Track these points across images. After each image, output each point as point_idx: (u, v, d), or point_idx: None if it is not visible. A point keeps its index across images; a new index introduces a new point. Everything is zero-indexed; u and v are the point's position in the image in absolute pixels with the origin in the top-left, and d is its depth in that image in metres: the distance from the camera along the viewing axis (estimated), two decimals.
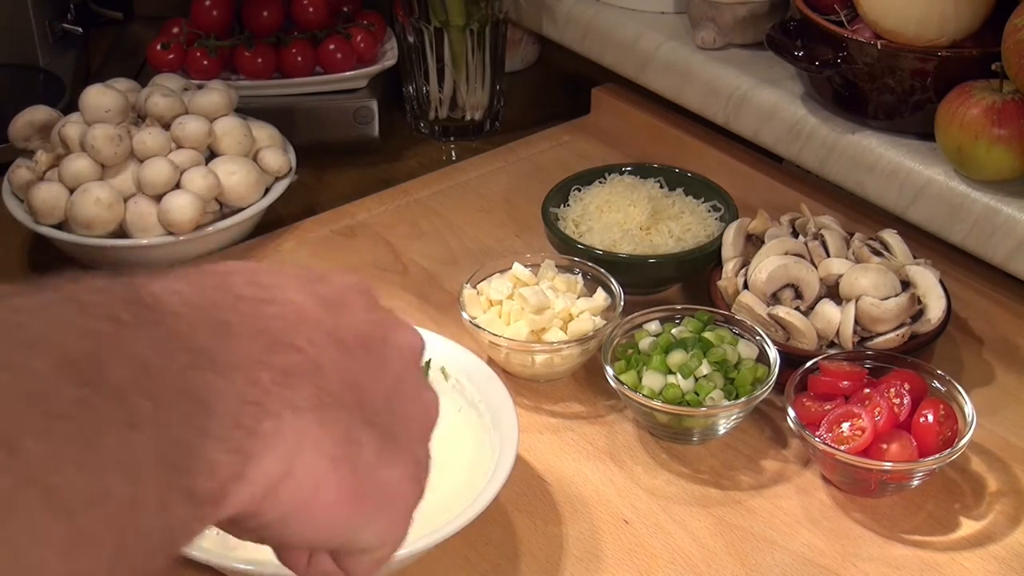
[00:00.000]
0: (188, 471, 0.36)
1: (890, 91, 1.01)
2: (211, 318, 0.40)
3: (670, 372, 0.88)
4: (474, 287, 0.97)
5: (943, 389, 0.87)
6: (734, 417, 0.88)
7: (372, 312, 0.47)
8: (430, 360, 0.87)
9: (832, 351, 0.91)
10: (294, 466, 0.40)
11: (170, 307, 0.39)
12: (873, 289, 0.91)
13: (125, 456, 0.34)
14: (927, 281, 0.94)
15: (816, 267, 0.94)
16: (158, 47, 1.24)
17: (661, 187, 1.09)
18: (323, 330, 0.43)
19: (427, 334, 0.88)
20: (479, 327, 0.93)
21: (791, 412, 0.85)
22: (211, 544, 0.74)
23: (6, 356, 0.33)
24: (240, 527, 0.41)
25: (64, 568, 0.31)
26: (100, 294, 0.37)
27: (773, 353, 0.89)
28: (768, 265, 0.94)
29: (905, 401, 0.85)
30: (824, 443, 0.83)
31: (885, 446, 0.83)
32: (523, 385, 0.95)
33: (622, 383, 0.88)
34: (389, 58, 1.29)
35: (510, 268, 0.98)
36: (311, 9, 1.26)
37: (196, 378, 0.37)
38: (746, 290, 0.95)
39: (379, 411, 0.44)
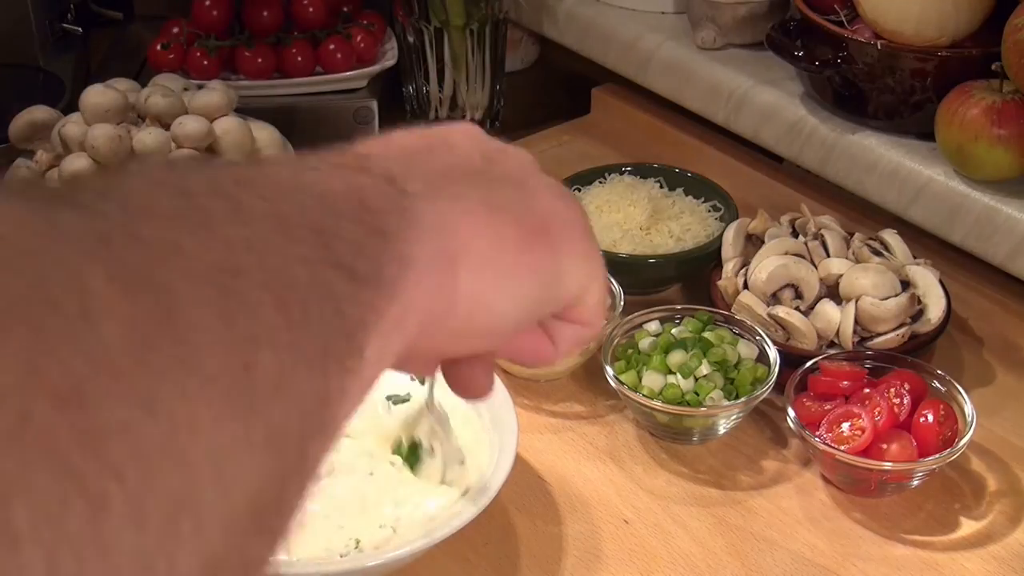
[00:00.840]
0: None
1: (890, 91, 1.01)
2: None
3: (670, 372, 0.88)
4: None
5: (943, 389, 0.87)
6: (734, 417, 0.88)
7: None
8: None
9: (832, 351, 0.91)
10: (456, 238, 0.38)
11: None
12: (873, 289, 0.91)
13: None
14: (927, 281, 0.94)
15: (816, 267, 0.94)
16: (158, 47, 1.24)
17: (661, 187, 1.09)
18: (392, 147, 0.43)
19: None
20: None
21: (791, 412, 0.85)
22: None
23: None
24: (460, 340, 0.40)
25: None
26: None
27: (773, 353, 0.89)
28: (768, 265, 0.94)
29: (905, 401, 0.85)
30: (824, 443, 0.83)
31: (885, 446, 0.83)
32: (523, 385, 0.95)
33: (622, 383, 0.88)
34: (389, 58, 1.28)
35: None
36: (311, 9, 1.26)
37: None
38: (746, 290, 0.95)
39: (485, 171, 0.43)
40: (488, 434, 0.82)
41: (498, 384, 0.85)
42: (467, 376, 0.46)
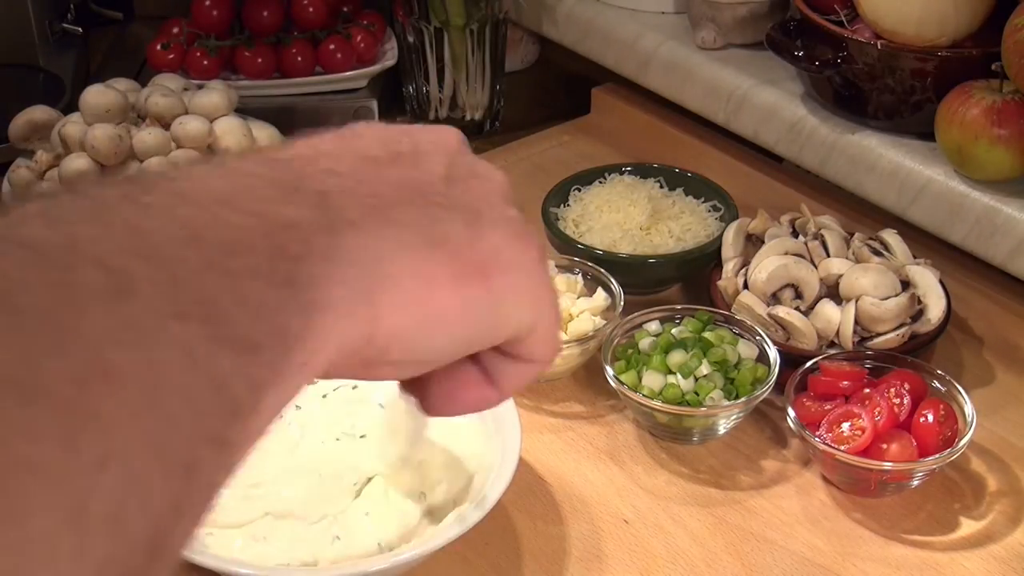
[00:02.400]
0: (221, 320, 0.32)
1: (890, 91, 1.01)
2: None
3: (670, 372, 0.88)
4: None
5: (943, 389, 0.87)
6: (734, 417, 0.88)
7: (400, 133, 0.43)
8: None
9: (832, 351, 0.91)
10: (383, 273, 0.36)
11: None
12: (873, 289, 0.91)
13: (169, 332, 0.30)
14: (927, 281, 0.94)
15: (816, 267, 0.94)
16: (158, 47, 1.24)
17: (661, 187, 1.09)
18: (348, 153, 0.39)
19: None
20: None
21: (791, 412, 0.85)
22: (215, 548, 0.74)
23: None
24: (375, 368, 0.38)
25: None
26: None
27: (773, 353, 0.89)
28: (768, 265, 0.94)
29: (905, 401, 0.85)
30: (824, 443, 0.83)
31: (885, 446, 0.83)
32: None
33: (622, 383, 0.88)
34: (389, 58, 1.29)
35: None
36: (311, 9, 1.26)
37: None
38: (746, 290, 0.95)
39: (443, 194, 0.40)
40: (491, 440, 0.82)
41: None
42: (432, 392, 0.44)
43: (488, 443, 0.82)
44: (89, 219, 0.31)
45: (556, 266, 0.98)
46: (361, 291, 0.36)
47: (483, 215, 0.40)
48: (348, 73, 1.26)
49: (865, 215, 1.09)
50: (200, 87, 1.14)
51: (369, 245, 0.36)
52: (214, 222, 0.33)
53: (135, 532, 0.28)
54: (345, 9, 1.30)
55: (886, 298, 0.91)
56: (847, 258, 0.95)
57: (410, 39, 1.26)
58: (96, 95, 1.08)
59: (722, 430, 0.89)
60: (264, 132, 1.15)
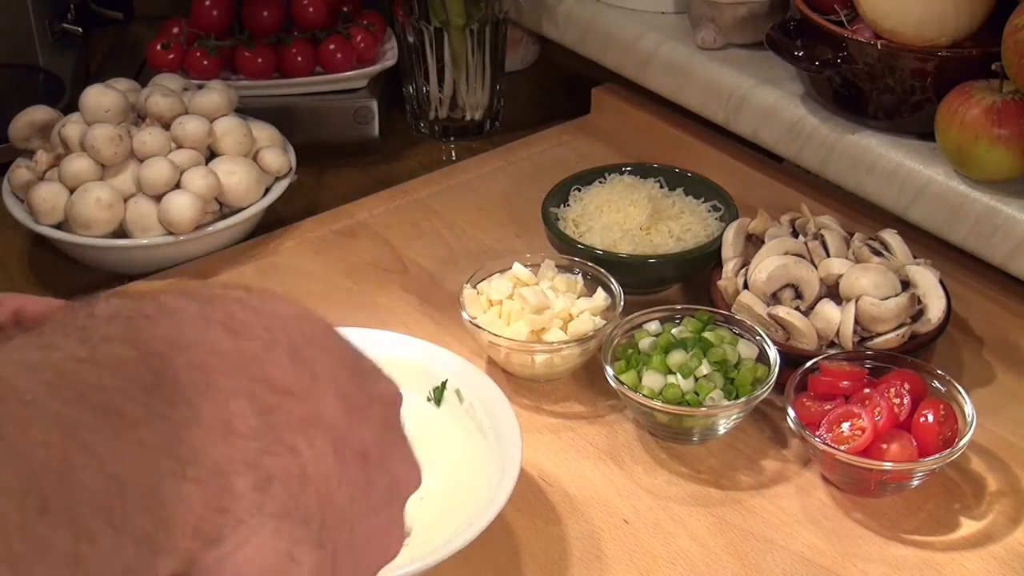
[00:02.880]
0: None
1: (890, 91, 1.01)
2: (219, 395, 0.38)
3: (670, 372, 0.88)
4: (474, 287, 0.97)
5: (943, 389, 0.87)
6: (734, 417, 0.88)
7: (386, 432, 0.44)
8: (446, 381, 0.87)
9: (832, 351, 0.91)
10: (230, 559, 0.38)
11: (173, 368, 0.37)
12: (873, 289, 0.91)
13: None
14: (927, 281, 0.94)
15: (816, 267, 0.94)
16: (158, 47, 1.24)
17: (661, 187, 1.09)
18: (330, 436, 0.41)
19: (445, 354, 0.89)
20: (479, 327, 0.93)
21: (791, 412, 0.85)
22: None
23: None
24: None
25: None
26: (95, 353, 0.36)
27: (773, 353, 0.89)
28: (768, 265, 0.94)
29: (905, 401, 0.85)
30: (824, 443, 0.83)
31: (885, 446, 0.83)
32: (523, 385, 0.95)
33: (622, 383, 0.88)
34: (389, 58, 1.29)
35: (510, 268, 0.98)
36: (311, 9, 1.26)
37: (167, 488, 0.35)
38: (746, 290, 0.95)
39: (339, 533, 0.42)
40: (492, 458, 0.82)
41: (501, 397, 0.85)
42: None
43: (489, 459, 0.81)
44: None
45: (556, 266, 0.99)
46: (209, 563, 0.37)
47: (338, 573, 0.42)
48: (348, 73, 1.26)
49: (865, 215, 1.09)
50: (200, 87, 1.14)
51: (244, 533, 0.38)
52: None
53: None
54: (345, 9, 1.30)
55: (886, 298, 0.91)
56: (847, 258, 0.95)
57: (410, 39, 1.26)
58: (96, 95, 1.08)
59: (722, 430, 0.89)
60: (264, 132, 1.15)
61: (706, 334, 0.90)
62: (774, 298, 0.94)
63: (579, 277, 0.98)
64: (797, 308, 0.93)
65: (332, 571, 0.42)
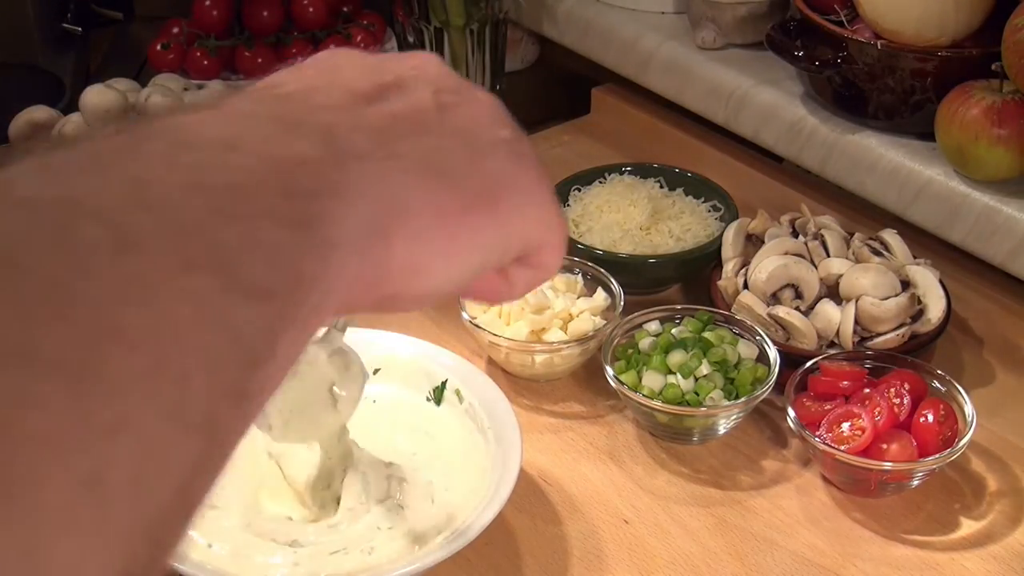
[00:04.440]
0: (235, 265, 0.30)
1: (890, 91, 1.01)
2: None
3: (670, 372, 0.88)
4: None
5: (943, 389, 0.87)
6: (734, 417, 0.88)
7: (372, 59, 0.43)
8: (446, 381, 0.87)
9: (832, 351, 0.91)
10: (395, 207, 0.36)
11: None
12: (873, 289, 0.91)
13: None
14: (927, 281, 0.94)
15: (816, 267, 0.94)
16: (158, 47, 1.24)
17: (661, 187, 1.09)
18: (337, 88, 0.39)
19: (444, 354, 0.89)
20: (479, 327, 0.93)
21: (791, 412, 0.85)
22: (201, 559, 0.74)
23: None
24: (389, 302, 0.38)
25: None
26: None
27: (773, 353, 0.89)
28: (768, 265, 0.94)
29: (905, 401, 0.85)
30: (824, 443, 0.83)
31: (885, 446, 0.83)
32: (523, 385, 0.95)
33: (622, 383, 0.88)
34: None
35: None
36: (311, 9, 1.26)
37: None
38: (746, 290, 0.95)
39: (437, 123, 0.39)
40: (492, 459, 0.82)
41: (500, 397, 0.85)
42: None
43: (488, 458, 0.81)
44: (87, 172, 0.30)
45: None
46: (374, 226, 0.35)
47: (479, 140, 0.40)
48: None
49: (865, 215, 1.09)
50: (200, 87, 1.14)
51: (378, 179, 0.36)
52: (218, 166, 0.32)
53: (158, 496, 0.27)
54: (345, 9, 1.30)
55: (886, 298, 0.91)
56: (847, 258, 0.95)
57: (410, 39, 1.26)
58: (96, 95, 1.08)
59: (722, 430, 0.89)
60: None
61: (706, 334, 0.90)
62: (774, 298, 0.94)
63: (579, 277, 0.98)
64: (797, 308, 0.93)
65: (472, 137, 0.40)
